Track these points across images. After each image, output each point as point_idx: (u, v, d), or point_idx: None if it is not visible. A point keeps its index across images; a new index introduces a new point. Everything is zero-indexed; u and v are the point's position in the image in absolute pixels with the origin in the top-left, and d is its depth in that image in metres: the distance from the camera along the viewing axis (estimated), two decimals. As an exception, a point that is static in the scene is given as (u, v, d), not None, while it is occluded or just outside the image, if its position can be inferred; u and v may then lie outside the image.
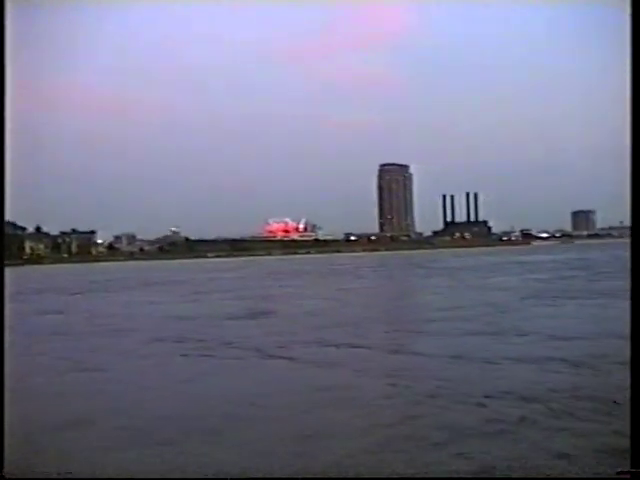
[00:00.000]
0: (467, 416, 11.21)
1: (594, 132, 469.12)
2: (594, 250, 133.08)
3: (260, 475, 8.48)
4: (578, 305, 30.69)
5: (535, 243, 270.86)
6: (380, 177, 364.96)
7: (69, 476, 8.71)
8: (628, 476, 6.00)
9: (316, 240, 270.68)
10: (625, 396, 12.19)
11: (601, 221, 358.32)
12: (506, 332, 22.07)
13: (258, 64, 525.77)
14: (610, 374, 14.41)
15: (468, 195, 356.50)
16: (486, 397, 12.47)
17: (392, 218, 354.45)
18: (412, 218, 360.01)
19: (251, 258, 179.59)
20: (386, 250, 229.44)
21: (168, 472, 8.72)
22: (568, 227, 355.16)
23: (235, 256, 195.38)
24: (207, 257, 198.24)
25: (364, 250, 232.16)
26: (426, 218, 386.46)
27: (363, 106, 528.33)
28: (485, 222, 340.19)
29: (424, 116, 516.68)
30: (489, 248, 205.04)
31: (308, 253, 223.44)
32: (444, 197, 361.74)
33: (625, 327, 21.46)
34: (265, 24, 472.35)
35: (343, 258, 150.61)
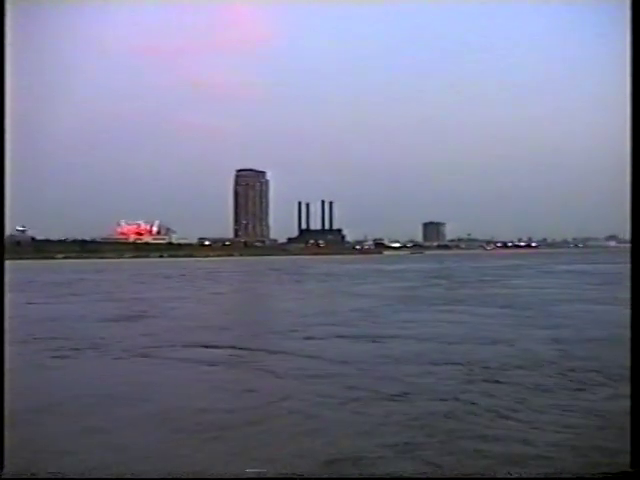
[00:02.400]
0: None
1: (444, 143, 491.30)
2: (447, 260, 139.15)
3: (268, 475, 8.47)
4: (443, 311, 31.86)
5: (387, 252, 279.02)
6: (236, 182, 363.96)
7: (67, 476, 8.44)
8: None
9: (170, 243, 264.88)
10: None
11: (450, 233, 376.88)
12: (378, 336, 22.64)
13: (115, 60, 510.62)
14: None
15: (323, 203, 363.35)
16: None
17: (247, 224, 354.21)
18: (267, 224, 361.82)
19: (102, 260, 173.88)
20: (240, 255, 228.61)
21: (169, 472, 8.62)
22: (419, 238, 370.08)
23: (85, 258, 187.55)
24: (55, 258, 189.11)
25: (218, 255, 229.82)
26: (281, 225, 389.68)
27: (221, 110, 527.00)
28: (339, 230, 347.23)
29: (282, 123, 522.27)
30: (343, 256, 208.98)
31: (161, 257, 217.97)
32: (299, 204, 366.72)
33: (494, 333, 22.28)
34: (126, 17, 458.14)
35: (201, 262, 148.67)
